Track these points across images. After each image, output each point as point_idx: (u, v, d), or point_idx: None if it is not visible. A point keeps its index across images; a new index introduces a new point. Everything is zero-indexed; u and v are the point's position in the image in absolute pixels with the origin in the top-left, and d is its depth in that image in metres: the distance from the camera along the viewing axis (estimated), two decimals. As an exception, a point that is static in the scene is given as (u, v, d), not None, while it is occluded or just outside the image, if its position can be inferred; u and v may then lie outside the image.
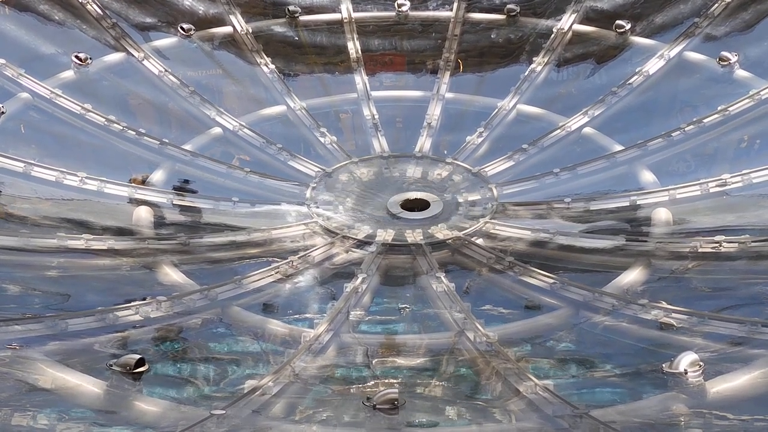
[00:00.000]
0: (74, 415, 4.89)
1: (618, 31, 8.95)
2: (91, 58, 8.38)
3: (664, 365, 5.20)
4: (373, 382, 5.35)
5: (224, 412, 4.85)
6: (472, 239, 6.85)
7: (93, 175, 7.25)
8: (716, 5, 8.79)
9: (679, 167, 7.77)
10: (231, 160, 8.04)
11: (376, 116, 8.28)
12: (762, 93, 7.79)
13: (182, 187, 7.55)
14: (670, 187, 7.21)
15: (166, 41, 8.98)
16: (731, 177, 7.10)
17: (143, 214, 7.14)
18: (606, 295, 6.08)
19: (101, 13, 8.77)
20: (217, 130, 8.16)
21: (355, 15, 9.35)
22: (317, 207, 7.25)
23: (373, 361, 5.58)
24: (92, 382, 5.09)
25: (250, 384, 5.19)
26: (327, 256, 6.71)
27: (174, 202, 7.35)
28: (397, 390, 5.01)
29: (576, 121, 8.10)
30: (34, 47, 8.57)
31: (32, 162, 7.24)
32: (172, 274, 6.50)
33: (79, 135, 7.86)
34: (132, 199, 7.27)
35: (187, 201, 7.43)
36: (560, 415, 4.86)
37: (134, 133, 7.80)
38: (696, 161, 7.77)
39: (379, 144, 7.99)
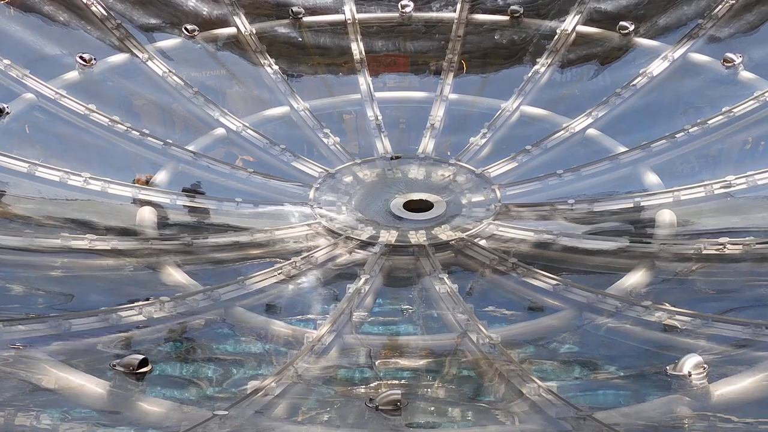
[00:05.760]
0: (77, 415, 4.90)
1: (622, 32, 8.94)
2: (95, 59, 8.40)
3: (667, 367, 5.18)
4: (375, 384, 5.34)
5: (227, 412, 4.85)
6: (476, 240, 6.84)
7: (97, 176, 7.27)
8: (720, 6, 8.78)
9: (684, 169, 7.75)
10: (234, 161, 8.05)
11: (380, 117, 8.29)
12: (766, 94, 7.77)
13: (194, 189, 7.56)
14: (674, 188, 7.20)
15: (170, 42, 9.00)
16: (736, 179, 7.09)
17: (147, 214, 7.15)
18: (609, 297, 6.07)
19: (105, 14, 8.80)
20: (221, 130, 8.17)
21: (358, 16, 9.35)
22: (320, 208, 7.26)
23: (376, 363, 5.58)
24: (95, 382, 5.10)
25: (252, 385, 5.20)
26: (330, 257, 6.71)
27: (178, 203, 7.36)
28: (399, 391, 5.00)
29: (580, 123, 8.09)
30: (39, 48, 8.60)
31: (36, 162, 7.26)
32: (175, 275, 6.50)
33: (84, 135, 7.88)
34: (136, 199, 7.28)
35: (193, 202, 7.44)
36: (563, 417, 4.85)
37: (138, 133, 7.82)
38: (700, 163, 7.75)
39: (383, 145, 7.99)
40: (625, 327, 5.85)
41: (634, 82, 8.35)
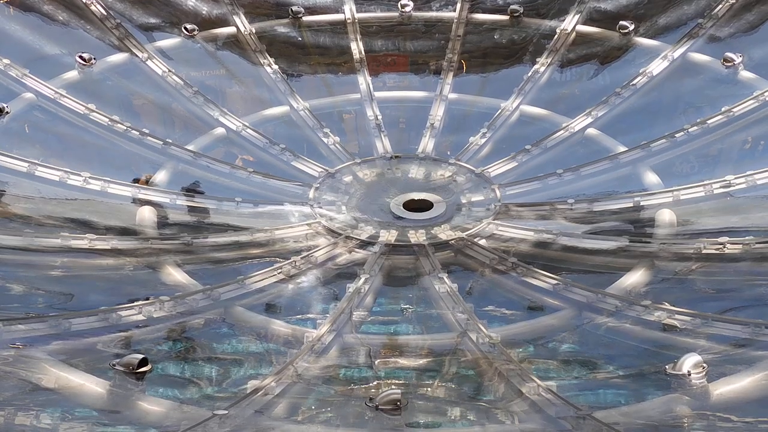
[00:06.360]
0: (77, 415, 4.90)
1: (621, 32, 8.94)
2: (95, 59, 8.40)
3: (667, 367, 5.18)
4: (375, 383, 5.35)
5: (227, 412, 4.85)
6: (475, 240, 6.84)
7: (96, 175, 7.27)
8: (720, 6, 8.78)
9: (683, 168, 7.75)
10: (234, 161, 8.05)
11: (380, 117, 8.29)
12: (766, 94, 7.78)
13: (194, 189, 7.57)
14: (673, 188, 7.20)
15: (169, 41, 9.00)
16: (735, 178, 7.09)
17: (147, 214, 7.16)
18: (609, 297, 6.07)
19: (105, 14, 8.80)
20: (221, 130, 8.17)
21: (358, 15, 9.35)
22: (320, 207, 7.26)
23: (376, 362, 5.58)
24: (95, 381, 5.10)
25: (252, 384, 5.20)
26: (330, 257, 6.71)
27: (178, 202, 7.37)
28: (399, 391, 5.01)
29: (579, 122, 8.09)
30: (39, 47, 8.60)
31: (36, 162, 7.26)
32: (175, 274, 6.51)
33: (83, 135, 7.88)
34: (135, 199, 7.28)
35: (193, 201, 7.45)
36: (563, 416, 4.85)
37: (138, 133, 7.82)
38: (700, 162, 7.75)
39: (382, 145, 8.00)
40: (625, 326, 5.85)
41: (634, 82, 8.35)
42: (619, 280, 6.36)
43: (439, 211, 7.13)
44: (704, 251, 6.49)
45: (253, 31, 9.07)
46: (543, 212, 7.30)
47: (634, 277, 6.40)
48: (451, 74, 8.72)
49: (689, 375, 5.07)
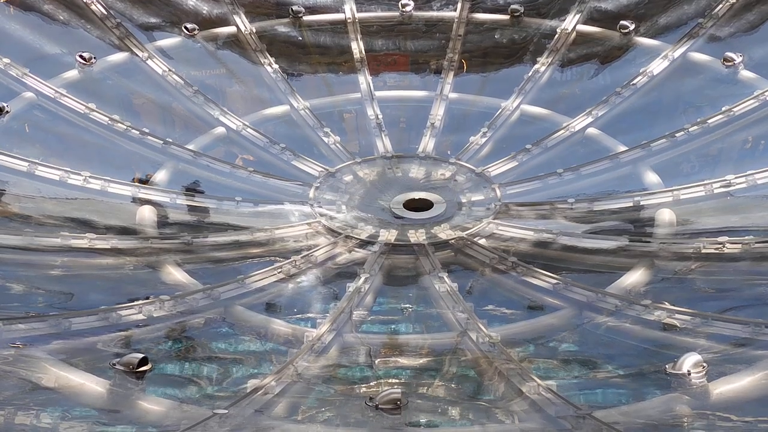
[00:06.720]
0: (77, 414, 4.90)
1: (622, 31, 8.95)
2: (95, 58, 8.40)
3: (667, 366, 5.18)
4: (375, 382, 5.35)
5: (227, 411, 4.85)
6: (475, 239, 6.85)
7: (97, 175, 7.27)
8: (721, 6, 8.78)
9: (683, 168, 7.75)
10: (234, 160, 8.05)
11: (380, 116, 8.29)
12: (767, 94, 7.78)
13: (194, 188, 7.57)
14: (674, 187, 7.20)
15: (170, 41, 9.00)
16: (735, 178, 7.09)
17: (147, 213, 7.16)
18: (609, 296, 6.07)
19: (105, 13, 8.80)
20: (221, 129, 8.18)
21: (358, 15, 9.36)
22: (320, 207, 7.26)
23: (376, 361, 5.58)
24: (95, 381, 5.10)
25: (252, 383, 5.20)
26: (330, 256, 6.71)
27: (178, 202, 7.37)
28: (399, 390, 5.01)
29: (580, 122, 8.10)
30: (39, 47, 8.60)
31: (36, 161, 7.26)
32: (175, 274, 6.51)
33: (83, 134, 7.88)
34: (135, 198, 7.29)
35: (193, 201, 7.45)
36: (563, 415, 4.85)
37: (138, 132, 7.82)
38: (700, 162, 7.76)
39: (383, 144, 8.00)
40: (625, 326, 5.85)
41: (635, 81, 8.35)
42: (619, 280, 6.36)
43: (439, 210, 7.14)
44: (704, 251, 6.49)
45: (254, 30, 9.08)
46: (543, 212, 7.30)
47: (634, 277, 6.40)
48: (451, 74, 8.72)
49: (689, 374, 5.07)
